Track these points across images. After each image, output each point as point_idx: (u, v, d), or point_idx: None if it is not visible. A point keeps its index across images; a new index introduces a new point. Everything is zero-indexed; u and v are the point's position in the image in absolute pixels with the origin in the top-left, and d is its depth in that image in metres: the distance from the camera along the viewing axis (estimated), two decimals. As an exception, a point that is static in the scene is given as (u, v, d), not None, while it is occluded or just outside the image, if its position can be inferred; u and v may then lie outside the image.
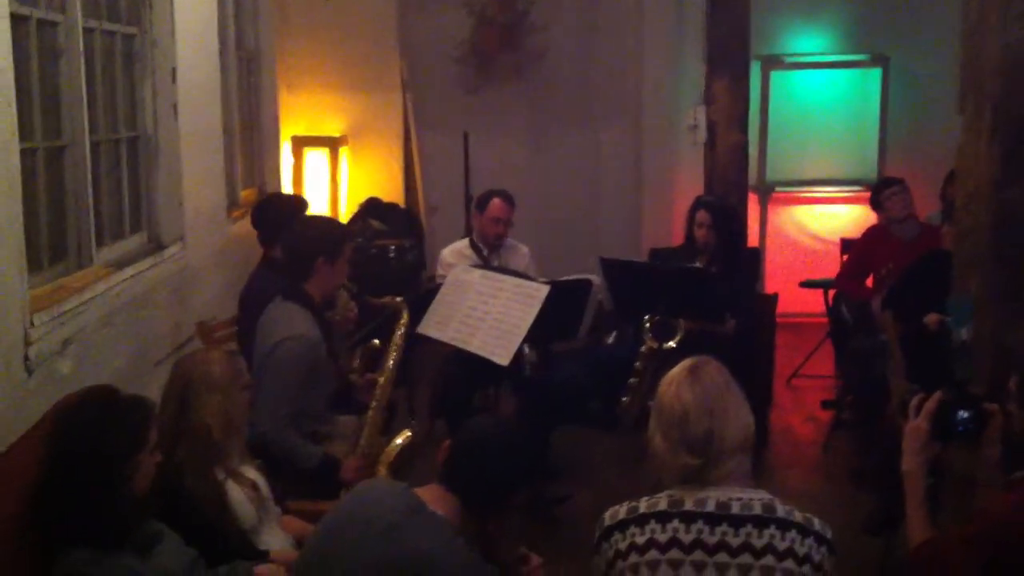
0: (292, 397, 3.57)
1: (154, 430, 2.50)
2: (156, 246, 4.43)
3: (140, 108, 4.38)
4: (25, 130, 3.17)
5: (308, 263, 3.73)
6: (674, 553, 2.26)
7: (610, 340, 5.36)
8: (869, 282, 5.74)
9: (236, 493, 2.92)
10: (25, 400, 2.93)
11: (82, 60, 3.65)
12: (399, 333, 3.93)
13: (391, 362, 3.86)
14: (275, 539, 3.01)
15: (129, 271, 3.94)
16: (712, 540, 2.25)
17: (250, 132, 6.48)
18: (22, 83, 3.16)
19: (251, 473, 3.05)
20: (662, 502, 2.31)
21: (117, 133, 4.16)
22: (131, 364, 3.80)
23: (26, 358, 2.98)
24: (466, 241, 5.48)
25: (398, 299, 4.06)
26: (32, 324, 3.02)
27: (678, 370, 2.43)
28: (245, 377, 3.00)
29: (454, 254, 5.39)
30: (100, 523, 2.32)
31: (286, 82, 7.23)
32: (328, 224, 4.26)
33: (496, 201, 5.32)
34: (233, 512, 2.89)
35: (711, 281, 4.83)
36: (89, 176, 3.71)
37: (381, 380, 3.83)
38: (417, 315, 4.52)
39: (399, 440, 3.57)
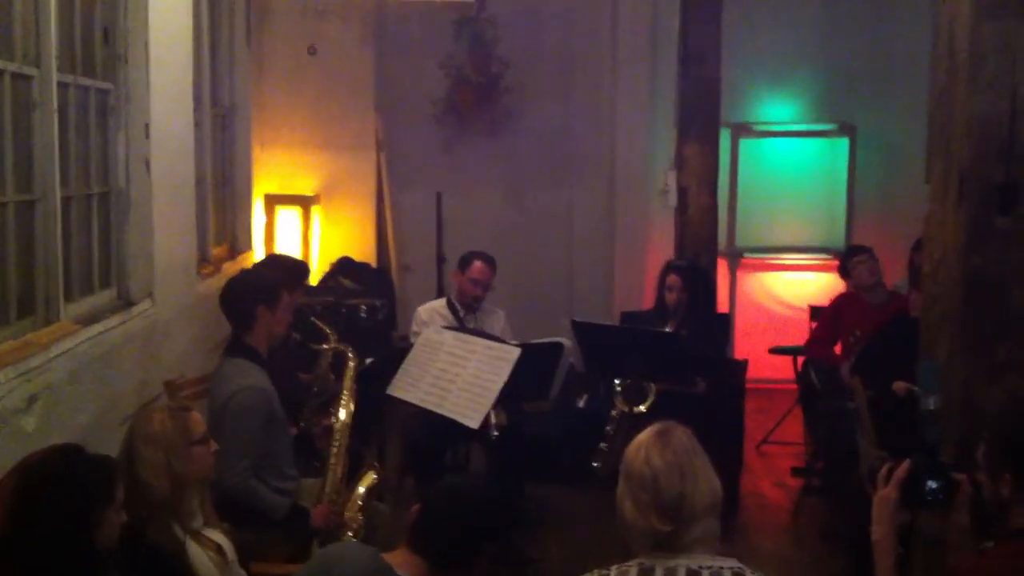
0: (252, 446, 3.56)
1: (120, 487, 2.47)
2: (125, 302, 4.38)
3: (113, 163, 4.36)
4: (-5, 184, 3.16)
5: (249, 313, 3.76)
6: None
7: (581, 403, 5.35)
8: (838, 348, 5.78)
9: (198, 554, 2.87)
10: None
11: (56, 115, 3.63)
12: (349, 376, 3.94)
13: (346, 406, 3.86)
14: None
15: (97, 327, 3.89)
16: None
17: (223, 188, 6.47)
18: (-5, 137, 3.15)
19: (216, 536, 3.00)
20: (632, 571, 2.29)
21: (89, 188, 4.14)
22: (97, 421, 3.74)
23: (-11, 415, 2.93)
24: (443, 300, 5.49)
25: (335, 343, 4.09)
26: (-2, 381, 2.98)
27: (646, 435, 2.43)
28: (199, 432, 2.95)
29: (429, 312, 5.39)
30: None
31: (260, 138, 7.24)
32: (266, 271, 4.24)
33: (478, 264, 5.34)
34: (195, 574, 2.84)
35: (682, 344, 4.85)
36: (59, 231, 3.67)
37: (337, 424, 3.83)
38: (388, 375, 4.52)
39: (364, 484, 3.55)
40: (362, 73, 7.56)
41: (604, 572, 2.31)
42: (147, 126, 4.45)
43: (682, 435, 2.42)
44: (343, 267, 7.05)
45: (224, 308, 3.93)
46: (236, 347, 3.77)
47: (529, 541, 4.75)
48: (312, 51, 7.39)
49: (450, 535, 2.46)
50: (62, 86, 3.75)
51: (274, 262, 5.27)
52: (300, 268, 5.13)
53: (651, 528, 2.31)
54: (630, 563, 2.30)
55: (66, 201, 3.82)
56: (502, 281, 5.58)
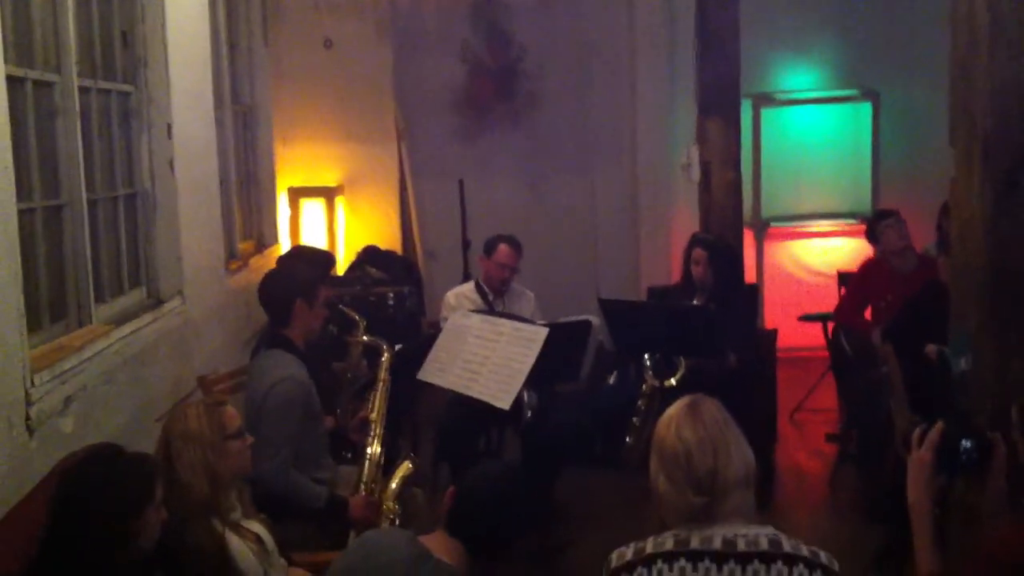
0: (292, 438, 3.58)
1: (159, 486, 2.50)
2: (155, 302, 4.43)
3: (137, 165, 4.41)
4: (23, 190, 3.19)
5: (287, 307, 3.78)
6: None
7: (611, 380, 5.35)
8: (868, 314, 5.75)
9: (239, 546, 2.90)
10: (28, 460, 2.92)
11: (78, 119, 3.67)
12: (384, 369, 3.96)
13: (379, 398, 3.89)
14: None
15: (129, 328, 3.94)
16: None
17: (247, 185, 6.52)
18: (19, 144, 3.19)
19: (255, 527, 3.03)
20: (668, 542, 2.30)
21: (115, 190, 4.19)
22: (133, 420, 3.79)
23: (28, 418, 2.97)
24: (471, 284, 5.49)
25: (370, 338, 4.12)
26: (33, 384, 3.02)
27: (676, 409, 2.43)
28: (233, 426, 2.97)
29: (458, 297, 5.40)
30: None
31: (281, 134, 7.29)
32: (304, 265, 4.26)
33: (503, 247, 5.34)
34: (237, 566, 2.87)
35: (710, 318, 4.84)
36: (87, 234, 3.72)
37: (372, 415, 3.85)
38: (418, 361, 4.54)
39: (400, 473, 3.57)
40: (379, 64, 7.59)
41: (640, 545, 2.33)
42: (169, 127, 4.50)
43: (712, 408, 2.42)
44: (369, 256, 7.08)
45: (263, 301, 3.95)
46: (274, 339, 3.79)
47: (563, 526, 4.77)
48: (328, 45, 7.43)
49: (486, 518, 2.48)
50: (83, 91, 3.79)
51: (302, 255, 5.30)
52: (328, 259, 5.17)
53: (686, 501, 2.32)
54: (666, 534, 2.31)
55: (92, 204, 3.86)
56: (528, 264, 5.59)
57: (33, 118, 3.41)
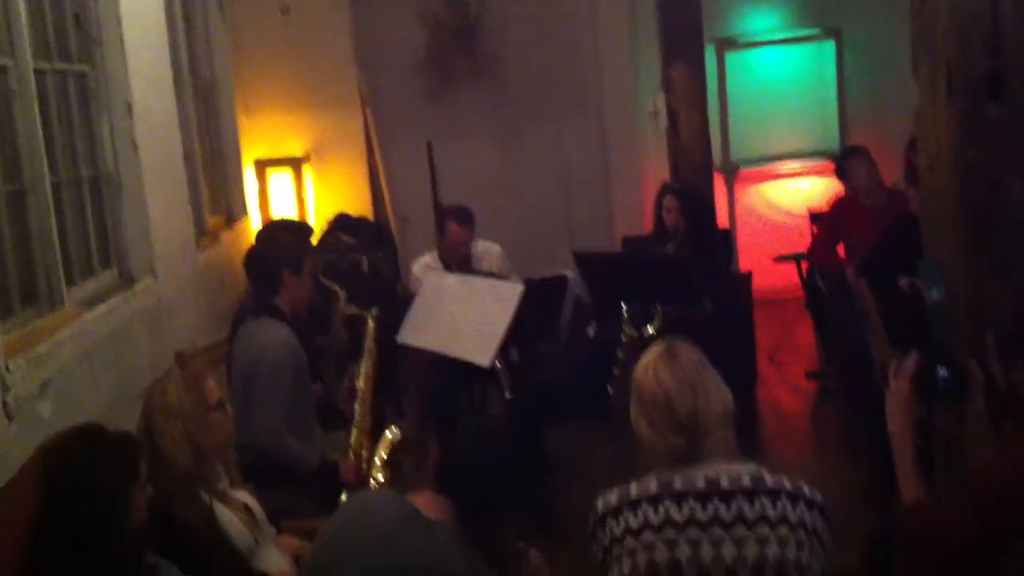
0: (283, 403, 3.57)
1: (144, 463, 2.49)
2: (127, 281, 4.40)
3: (99, 145, 4.35)
4: (-16, 176, 3.15)
5: (274, 277, 3.76)
6: (669, 533, 2.28)
7: (591, 332, 5.36)
8: (841, 251, 5.78)
9: (228, 516, 2.90)
10: (8, 446, 2.90)
11: (35, 103, 3.62)
12: (370, 338, 3.96)
13: (367, 366, 3.89)
14: (273, 560, 3.00)
15: (102, 308, 3.91)
16: (705, 516, 2.28)
17: (212, 159, 6.45)
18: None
19: (243, 496, 3.03)
20: (652, 484, 2.32)
21: (78, 172, 4.13)
22: (112, 401, 3.77)
23: (5, 404, 2.95)
24: (434, 254, 5.48)
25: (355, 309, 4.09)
26: (8, 369, 2.99)
27: (652, 354, 2.46)
28: (214, 398, 2.96)
29: (422, 268, 5.40)
30: (101, 561, 2.30)
31: (243, 105, 7.21)
32: (289, 237, 4.24)
33: (452, 226, 5.34)
34: (227, 536, 2.88)
35: (684, 266, 4.85)
36: (53, 218, 3.67)
37: (360, 384, 3.85)
38: (396, 326, 4.53)
39: (388, 436, 3.57)
40: (338, 29, 7.49)
41: (624, 489, 2.35)
42: (129, 106, 4.44)
43: (688, 351, 2.45)
44: (341, 223, 7.02)
45: (249, 274, 3.92)
46: (262, 308, 3.76)
47: (552, 479, 4.80)
48: (285, 11, 7.32)
49: (474, 473, 2.48)
50: (39, 73, 3.73)
51: (283, 226, 5.24)
52: (306, 229, 5.13)
53: (667, 444, 2.35)
54: (649, 477, 2.34)
55: (56, 187, 3.81)
56: (500, 220, 5.59)
57: (-11, 102, 3.36)
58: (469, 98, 7.86)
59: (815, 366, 6.05)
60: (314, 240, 6.80)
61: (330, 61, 7.47)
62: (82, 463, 2.36)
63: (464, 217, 5.34)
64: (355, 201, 7.49)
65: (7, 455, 2.86)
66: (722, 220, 6.79)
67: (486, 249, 5.45)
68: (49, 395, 3.24)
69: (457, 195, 5.60)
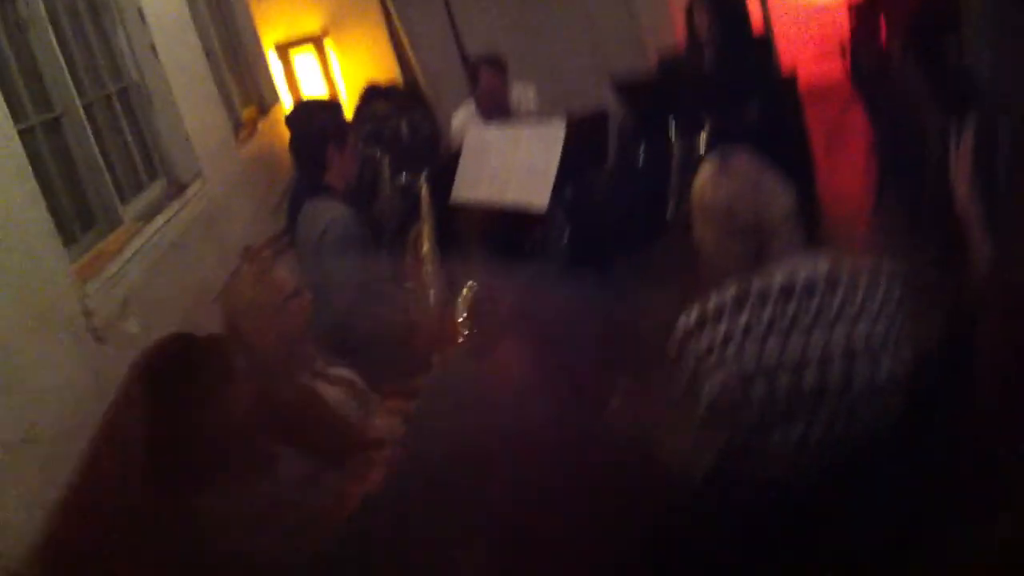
0: (357, 272, 3.57)
1: (239, 359, 2.54)
2: (177, 188, 4.44)
3: (119, 58, 4.33)
4: (16, 111, 3.16)
5: (319, 155, 3.72)
6: (755, 336, 2.29)
7: (641, 157, 5.30)
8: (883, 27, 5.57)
9: (330, 393, 2.97)
10: (105, 369, 2.99)
11: (49, 26, 3.59)
12: (424, 203, 3.94)
13: (427, 230, 3.88)
14: (382, 425, 3.06)
15: (160, 219, 3.96)
16: (790, 311, 2.28)
17: (233, 51, 6.39)
18: (-1, 65, 3.15)
19: (341, 371, 3.09)
20: (730, 293, 2.33)
21: (105, 88, 4.13)
22: (191, 305, 3.86)
23: (93, 329, 3.03)
24: (471, 106, 5.40)
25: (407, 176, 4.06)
26: (87, 295, 3.07)
27: (707, 168, 2.44)
28: (289, 286, 2.99)
29: (461, 122, 5.34)
30: (216, 462, 2.39)
31: None
32: (325, 112, 4.19)
33: (484, 75, 5.22)
34: (333, 411, 2.94)
35: (724, 75, 4.74)
36: (92, 139, 3.70)
37: (425, 248, 3.84)
38: (446, 187, 4.51)
39: (466, 292, 3.55)
40: None
41: (703, 304, 2.36)
42: (140, 12, 4.39)
43: (742, 158, 2.42)
44: (372, 93, 6.96)
45: (295, 155, 3.89)
46: (314, 189, 3.72)
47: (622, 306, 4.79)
48: None
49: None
50: (46, -5, 3.69)
51: (311, 106, 5.19)
52: (336, 104, 5.07)
53: (736, 252, 2.34)
54: (726, 288, 2.34)
55: (88, 108, 3.82)
56: (529, 57, 5.43)
57: (4, 35, 3.34)
58: None
59: (872, 152, 5.92)
60: (348, 115, 6.78)
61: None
62: (178, 371, 2.43)
63: (495, 64, 5.23)
64: (382, 68, 7.39)
65: (105, 378, 2.96)
66: (756, 22, 6.58)
67: (522, 92, 5.37)
68: (130, 313, 3.32)
69: (482, 40, 5.47)
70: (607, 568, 2.28)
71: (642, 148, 5.14)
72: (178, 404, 2.37)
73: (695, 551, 2.35)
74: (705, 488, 2.35)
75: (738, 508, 2.33)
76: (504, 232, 4.68)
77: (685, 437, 2.42)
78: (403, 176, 4.13)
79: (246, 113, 6.07)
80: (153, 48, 4.41)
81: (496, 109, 5.25)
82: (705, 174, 2.44)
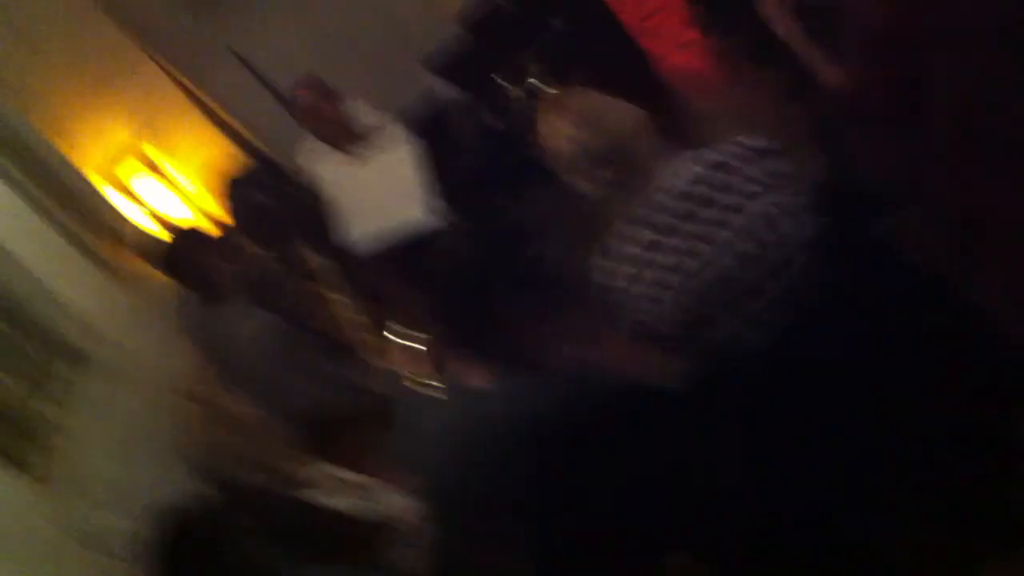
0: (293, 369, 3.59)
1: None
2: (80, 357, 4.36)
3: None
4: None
5: (209, 276, 3.69)
6: (660, 254, 2.38)
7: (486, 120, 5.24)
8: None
9: (332, 493, 2.97)
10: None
11: None
12: (323, 266, 3.92)
13: (341, 289, 3.88)
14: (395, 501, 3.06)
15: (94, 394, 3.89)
16: (681, 215, 2.38)
17: (65, 198, 6.16)
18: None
19: (329, 467, 3.11)
20: (626, 216, 2.39)
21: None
22: (158, 477, 3.79)
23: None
24: (310, 139, 5.25)
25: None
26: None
27: (540, 118, 2.48)
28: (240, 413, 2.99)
29: (308, 157, 5.16)
30: None
31: (55, 131, 6.71)
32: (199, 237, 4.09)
33: (303, 96, 4.94)
34: (347, 515, 2.94)
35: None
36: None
37: (345, 306, 3.84)
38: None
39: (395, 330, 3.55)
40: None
41: (603, 245, 2.42)
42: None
43: (569, 93, 2.47)
44: (241, 187, 6.56)
45: (184, 282, 3.85)
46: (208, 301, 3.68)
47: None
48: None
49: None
50: None
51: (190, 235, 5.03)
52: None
53: (609, 183, 2.40)
54: (622, 213, 2.40)
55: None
56: (344, 71, 5.31)
57: None
58: None
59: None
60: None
61: (88, 28, 6.95)
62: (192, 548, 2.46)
63: (308, 85, 4.94)
64: (214, 150, 7.20)
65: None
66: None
67: (355, 108, 5.22)
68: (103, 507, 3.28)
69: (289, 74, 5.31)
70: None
71: (485, 116, 5.13)
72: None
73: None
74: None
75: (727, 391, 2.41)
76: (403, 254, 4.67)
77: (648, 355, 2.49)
78: (299, 249, 4.09)
79: (109, 253, 5.92)
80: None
81: (333, 130, 5.00)
82: (541, 125, 2.48)
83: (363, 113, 5.20)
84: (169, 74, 7.28)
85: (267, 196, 5.96)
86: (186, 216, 6.70)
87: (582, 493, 2.47)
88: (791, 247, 2.36)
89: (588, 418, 2.60)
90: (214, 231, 3.96)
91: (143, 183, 7.04)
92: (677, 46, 5.46)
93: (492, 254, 4.39)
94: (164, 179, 7.07)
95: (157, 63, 7.22)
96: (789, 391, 2.36)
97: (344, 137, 4.94)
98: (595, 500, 2.46)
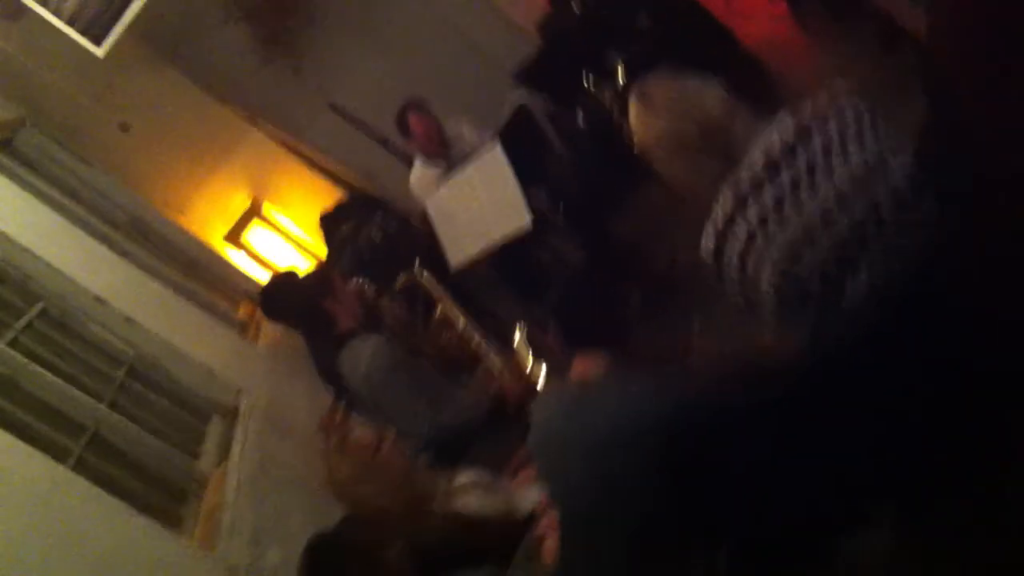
0: (416, 389, 3.64)
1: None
2: (231, 415, 4.52)
3: (108, 346, 4.42)
4: (57, 453, 3.24)
5: (319, 313, 3.77)
6: (773, 218, 2.31)
7: (580, 121, 5.28)
8: None
9: (469, 502, 2.99)
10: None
11: (33, 364, 3.68)
12: (433, 287, 3.96)
13: (450, 310, 3.91)
14: (529, 498, 3.07)
15: (235, 449, 4.04)
16: (787, 181, 2.29)
17: (194, 269, 6.46)
18: None
19: (463, 478, 3.13)
20: (728, 198, 2.34)
21: (115, 379, 4.22)
22: (307, 509, 3.90)
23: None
24: (419, 164, 5.38)
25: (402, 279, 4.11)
26: (222, 557, 3.13)
27: (632, 110, 2.46)
28: (370, 439, 3.00)
29: (420, 182, 5.31)
30: None
31: (169, 208, 7.09)
32: (291, 276, 4.20)
33: (414, 120, 5.14)
34: (481, 517, 2.96)
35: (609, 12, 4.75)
36: (135, 426, 3.79)
37: (460, 325, 3.86)
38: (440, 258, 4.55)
39: (518, 337, 3.57)
40: (172, 80, 7.22)
41: (707, 226, 2.37)
42: (98, 298, 4.42)
43: (655, 81, 2.45)
44: (328, 222, 6.96)
45: (299, 327, 3.95)
46: (335, 340, 3.79)
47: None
48: (125, 128, 7.08)
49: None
50: None
51: (280, 278, 5.26)
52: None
53: (709, 167, 2.37)
54: (723, 198, 2.35)
55: (114, 405, 3.89)
56: (432, 97, 5.41)
57: (4, 401, 3.43)
58: (307, 38, 7.37)
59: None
60: (323, 254, 6.83)
61: (196, 111, 7.29)
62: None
63: (415, 106, 5.18)
64: (325, 196, 7.44)
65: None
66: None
67: (456, 124, 5.34)
68: (265, 546, 3.38)
69: (388, 109, 5.44)
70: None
71: (579, 118, 5.14)
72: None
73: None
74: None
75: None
76: (511, 263, 4.72)
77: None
78: (401, 278, 4.17)
79: (241, 312, 6.16)
80: (128, 319, 4.50)
81: (439, 148, 5.22)
82: (633, 118, 2.47)
83: (466, 130, 5.31)
84: (273, 136, 7.53)
85: (361, 226, 6.14)
86: (303, 265, 6.93)
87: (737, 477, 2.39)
88: (890, 201, 2.28)
89: (725, 404, 2.54)
90: (322, 272, 4.03)
91: (265, 241, 7.34)
92: (766, 19, 5.39)
93: (599, 255, 4.38)
94: (282, 233, 7.34)
95: (260, 128, 7.47)
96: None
97: (445, 149, 5.16)
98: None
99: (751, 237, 2.32)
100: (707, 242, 2.41)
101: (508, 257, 4.58)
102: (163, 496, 3.58)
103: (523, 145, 4.45)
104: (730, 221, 2.35)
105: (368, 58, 7.47)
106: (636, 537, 2.22)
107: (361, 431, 3.12)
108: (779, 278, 2.30)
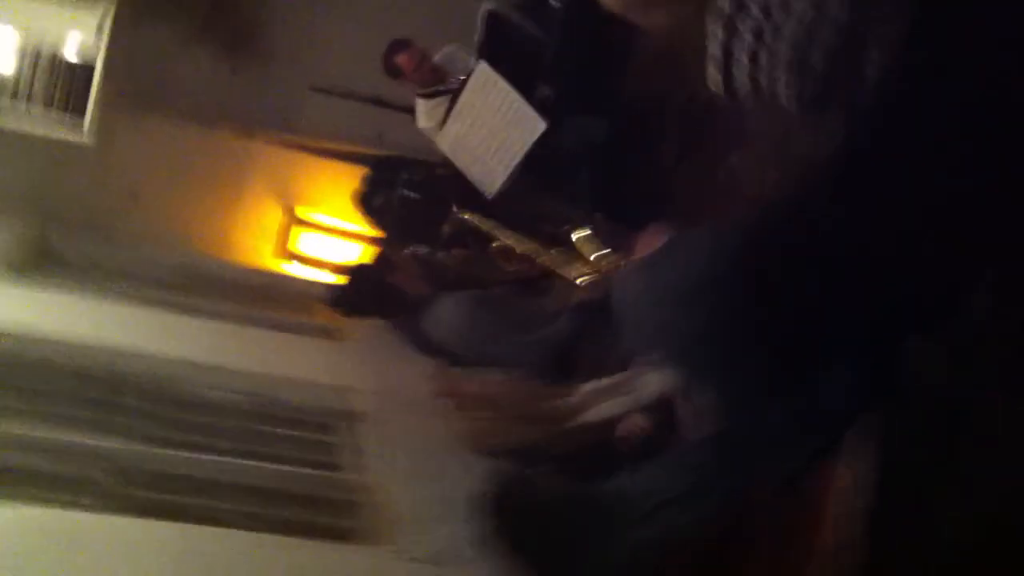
0: (506, 326, 3.65)
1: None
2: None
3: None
4: None
5: (388, 292, 3.79)
6: (768, 25, 2.21)
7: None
8: None
9: (601, 408, 3.02)
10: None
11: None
12: (482, 223, 3.95)
13: (507, 236, 3.89)
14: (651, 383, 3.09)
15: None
16: None
17: (281, 304, 6.51)
18: None
19: (585, 388, 3.15)
20: (719, 23, 2.27)
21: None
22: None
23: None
24: (420, 102, 5.31)
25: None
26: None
27: None
28: (492, 388, 3.05)
29: (428, 117, 5.25)
30: None
31: (217, 247, 7.14)
32: (352, 271, 4.19)
33: (404, 59, 5.09)
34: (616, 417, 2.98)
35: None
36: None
37: (523, 248, 3.84)
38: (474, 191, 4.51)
39: (580, 237, 3.55)
40: (169, 141, 7.21)
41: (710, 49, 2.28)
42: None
43: None
44: (361, 200, 6.89)
45: (367, 311, 3.97)
46: (415, 310, 3.79)
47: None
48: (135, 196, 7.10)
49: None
50: None
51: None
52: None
53: (688, 5, 2.28)
54: (714, 24, 2.27)
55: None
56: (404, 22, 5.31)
57: None
58: (266, 27, 7.28)
59: None
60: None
61: (192, 148, 7.26)
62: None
63: (405, 44, 5.13)
64: (345, 178, 7.38)
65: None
66: None
67: (446, 52, 5.27)
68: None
69: (370, 74, 5.37)
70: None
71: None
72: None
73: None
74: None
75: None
76: (542, 164, 4.64)
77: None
78: (445, 227, 4.15)
79: (319, 318, 6.19)
80: (216, 368, 4.55)
81: (432, 76, 5.17)
82: None
83: (457, 53, 5.23)
84: (273, 141, 7.50)
85: (394, 197, 6.10)
86: (358, 253, 6.94)
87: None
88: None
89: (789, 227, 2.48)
90: (375, 253, 4.05)
91: (311, 243, 7.37)
92: None
93: (618, 117, 4.28)
94: (325, 230, 7.35)
95: (258, 138, 7.45)
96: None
97: (445, 80, 5.09)
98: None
99: (754, 56, 2.25)
100: (714, 77, 2.34)
101: (537, 160, 4.52)
102: (325, 516, 3.65)
103: (507, 50, 4.36)
104: (727, 50, 2.28)
105: (333, 25, 7.39)
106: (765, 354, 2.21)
107: (474, 383, 3.16)
108: (795, 80, 2.23)
